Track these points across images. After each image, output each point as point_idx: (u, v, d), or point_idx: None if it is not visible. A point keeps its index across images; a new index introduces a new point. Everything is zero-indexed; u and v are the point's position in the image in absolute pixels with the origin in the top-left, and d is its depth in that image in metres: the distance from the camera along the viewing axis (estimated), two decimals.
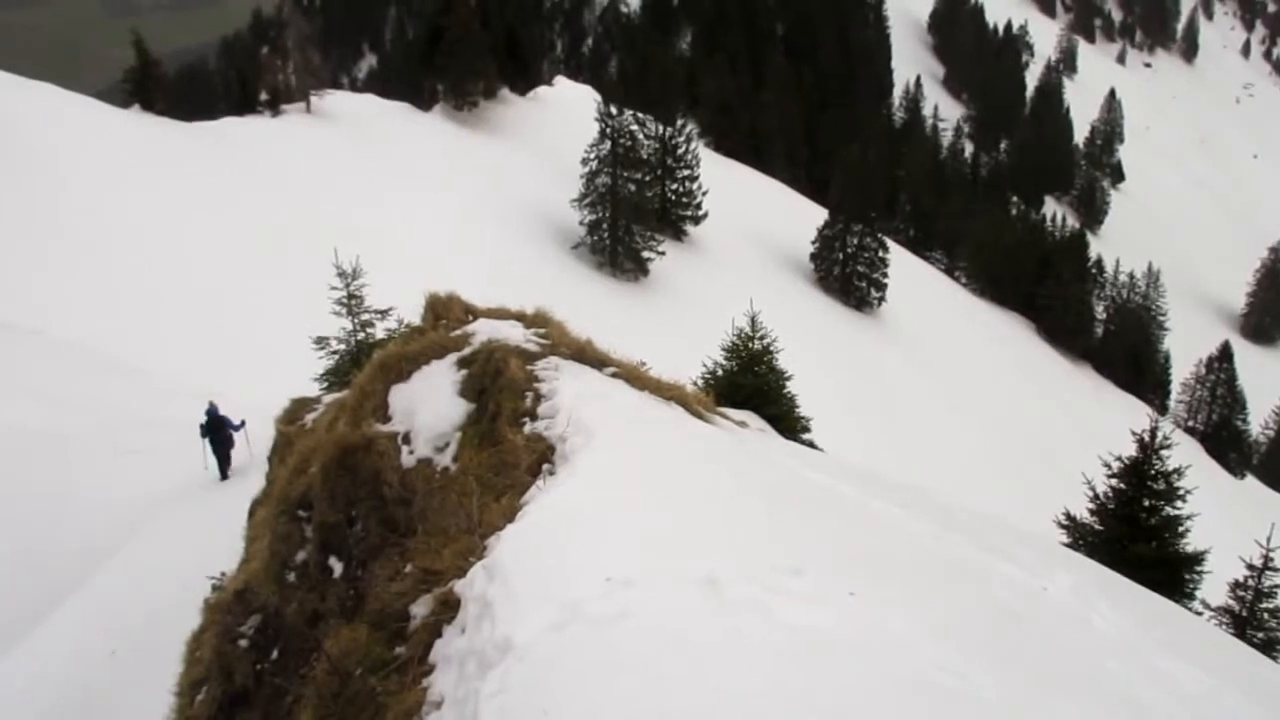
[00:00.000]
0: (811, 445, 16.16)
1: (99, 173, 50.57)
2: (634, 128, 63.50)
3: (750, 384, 17.09)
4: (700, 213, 67.71)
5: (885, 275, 69.05)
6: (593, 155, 61.83)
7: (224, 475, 21.68)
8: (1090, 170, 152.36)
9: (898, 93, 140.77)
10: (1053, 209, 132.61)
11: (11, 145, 50.00)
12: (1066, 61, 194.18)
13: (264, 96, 67.05)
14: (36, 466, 23.61)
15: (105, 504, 21.30)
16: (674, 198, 67.88)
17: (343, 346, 20.27)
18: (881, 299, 69.36)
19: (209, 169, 54.92)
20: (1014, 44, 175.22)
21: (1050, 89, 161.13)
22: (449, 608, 5.77)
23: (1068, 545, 16.69)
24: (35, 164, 49.42)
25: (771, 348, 17.91)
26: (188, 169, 54.16)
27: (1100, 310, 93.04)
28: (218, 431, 21.53)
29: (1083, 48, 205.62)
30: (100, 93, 68.73)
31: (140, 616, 16.10)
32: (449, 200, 60.16)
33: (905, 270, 73.55)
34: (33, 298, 39.96)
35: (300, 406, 15.18)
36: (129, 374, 33.99)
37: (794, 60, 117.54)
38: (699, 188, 67.56)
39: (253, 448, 21.32)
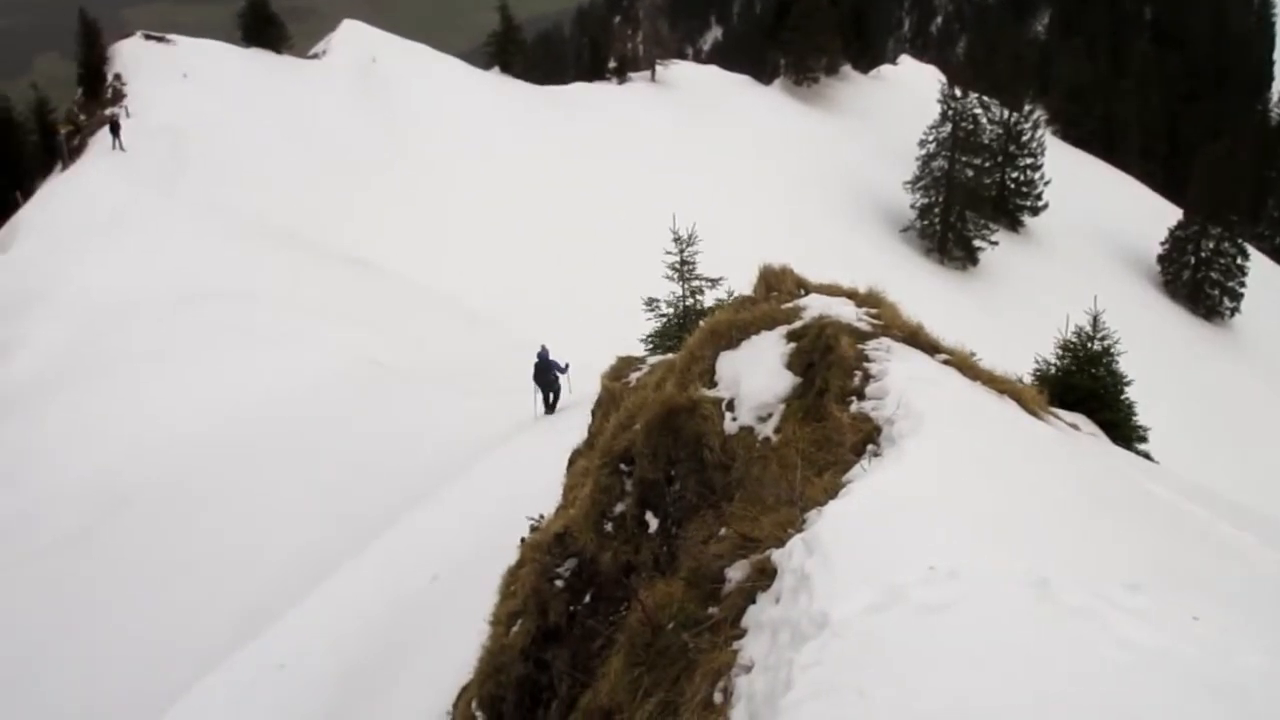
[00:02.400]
0: (1146, 457, 15.16)
1: (460, 128, 54.02)
2: (977, 111, 61.34)
3: (1085, 385, 16.18)
4: (1040, 203, 64.60)
5: (1242, 284, 63.34)
6: (931, 138, 60.25)
7: (549, 411, 23.33)
8: None
9: (1277, 86, 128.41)
10: None
11: (388, 99, 54.28)
12: None
13: (612, 64, 69.47)
14: (387, 400, 25.66)
15: (444, 438, 22.90)
16: (1013, 186, 65.09)
17: (670, 310, 20.75)
18: (1235, 310, 63.71)
19: (557, 131, 57.49)
20: None
21: None
22: (765, 576, 5.81)
23: None
24: (406, 118, 53.44)
25: (1112, 349, 16.90)
26: (538, 130, 56.93)
27: None
28: (546, 374, 23.14)
29: None
30: (464, 54, 73.24)
31: (461, 546, 17.14)
32: (781, 173, 60.35)
33: (1267, 280, 67.28)
34: (399, 245, 43.32)
35: (626, 364, 15.71)
36: (472, 320, 36.23)
37: (1160, 47, 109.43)
38: (1041, 177, 64.44)
39: (574, 391, 22.83)
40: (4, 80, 62.25)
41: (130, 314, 31.12)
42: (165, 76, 53.48)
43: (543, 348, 23.35)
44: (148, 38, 58.54)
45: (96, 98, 54.34)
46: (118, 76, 54.54)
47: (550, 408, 23.49)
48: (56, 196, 43.07)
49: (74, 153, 47.91)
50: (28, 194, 46.10)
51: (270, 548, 20.89)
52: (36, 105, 53.37)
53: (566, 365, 23.29)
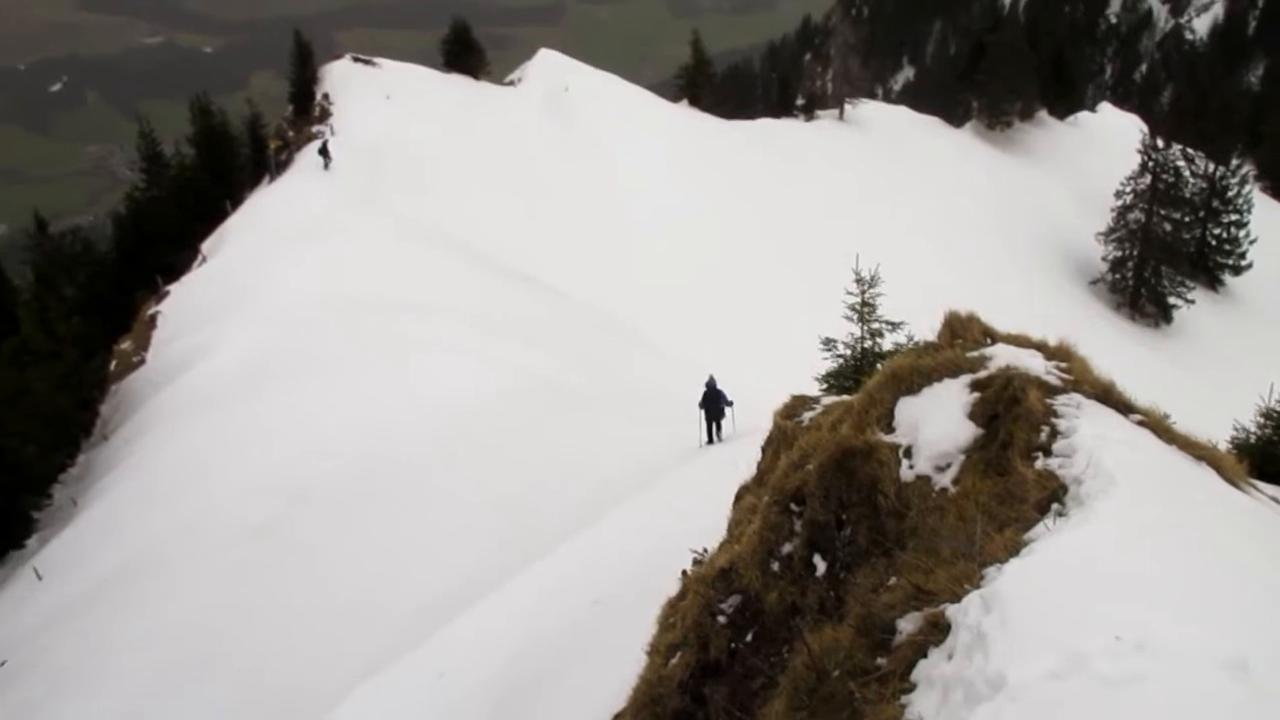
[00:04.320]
0: None
1: (645, 158, 54.77)
2: (1180, 163, 58.82)
3: None
4: (1243, 263, 61.42)
5: None
6: (1128, 189, 58.10)
7: (711, 441, 23.66)
8: None
9: None
10: None
11: (577, 126, 55.44)
12: None
13: (800, 101, 69.33)
14: (559, 420, 26.07)
15: (611, 464, 23.13)
16: (1214, 243, 62.10)
17: (848, 352, 20.48)
18: None
19: (740, 164, 57.70)
20: None
21: None
22: (938, 630, 5.65)
23: None
24: (593, 145, 54.46)
25: None
26: (721, 162, 57.24)
27: None
28: (714, 403, 23.41)
29: None
30: (653, 85, 74.31)
31: (623, 573, 17.20)
32: (967, 218, 59.21)
33: None
34: (578, 267, 44.10)
35: (799, 403, 15.51)
36: (643, 346, 36.56)
37: None
38: (1246, 235, 61.28)
39: (737, 425, 23.20)
40: (222, 95, 65.98)
41: (321, 319, 32.51)
42: (370, 97, 55.94)
43: (711, 377, 23.63)
44: (355, 60, 61.41)
45: (305, 115, 57.22)
46: (326, 96, 57.32)
47: (714, 437, 23.65)
48: (262, 207, 45.47)
49: (281, 166, 50.48)
50: (236, 204, 48.75)
51: (436, 555, 21.39)
52: (250, 120, 56.28)
53: (731, 402, 23.54)
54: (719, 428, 23.74)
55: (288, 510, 23.55)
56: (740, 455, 16.05)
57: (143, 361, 36.48)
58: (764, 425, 14.85)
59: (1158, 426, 8.58)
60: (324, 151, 47.51)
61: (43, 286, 42.89)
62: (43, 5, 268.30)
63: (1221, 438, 16.59)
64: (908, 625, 5.98)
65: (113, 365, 38.82)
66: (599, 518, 20.49)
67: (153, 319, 38.96)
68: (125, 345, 39.71)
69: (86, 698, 19.74)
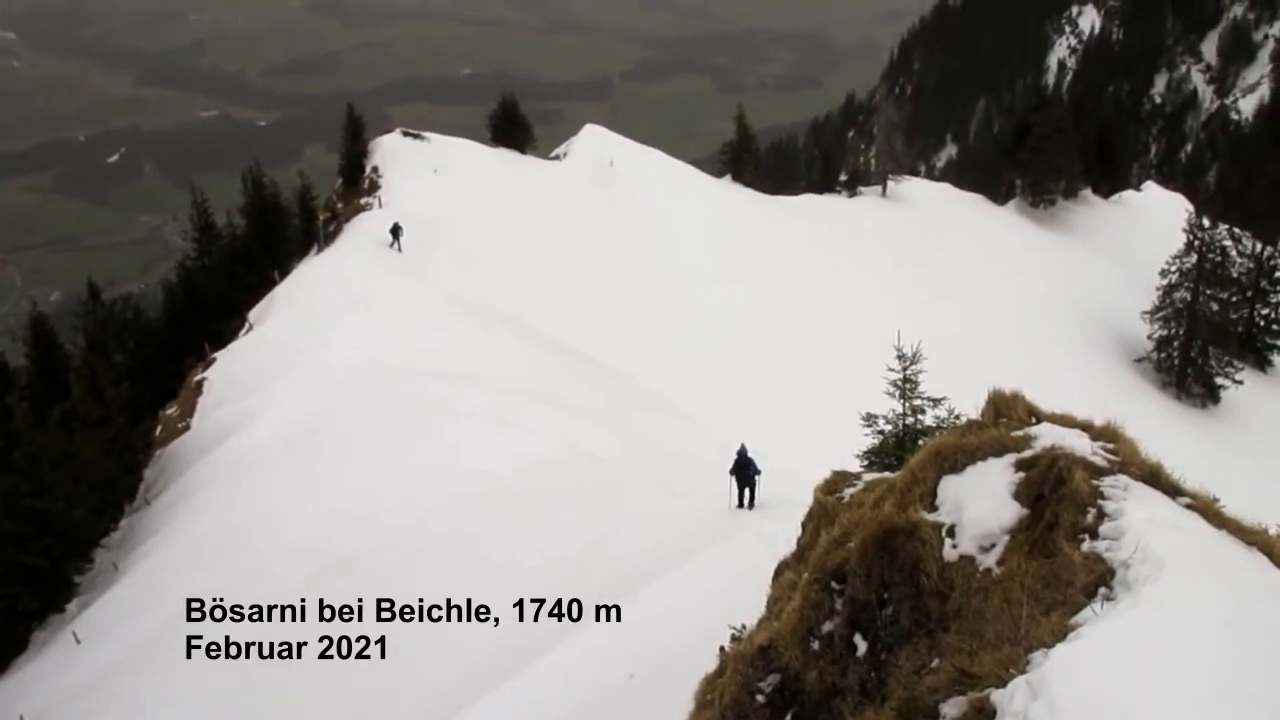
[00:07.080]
0: None
1: (687, 232, 55.20)
2: (1227, 243, 58.26)
3: None
4: None
5: None
6: (1174, 268, 57.61)
7: (742, 505, 24.03)
8: None
9: None
10: None
11: (622, 200, 56.06)
12: None
13: (843, 177, 69.67)
14: (597, 491, 26.02)
15: (648, 535, 23.01)
16: (1263, 323, 61.40)
17: (889, 428, 20.33)
18: None
19: (782, 239, 57.98)
20: None
21: None
22: (983, 715, 5.55)
23: None
24: (637, 219, 54.97)
25: None
26: (763, 237, 57.56)
27: None
28: (743, 471, 23.82)
29: None
30: (697, 160, 75.10)
31: (659, 647, 17.05)
32: (1010, 294, 59.03)
33: None
34: (621, 339, 44.25)
35: (840, 479, 15.41)
36: (683, 419, 36.50)
37: None
38: None
39: (760, 495, 23.81)
40: (275, 168, 67.30)
41: (365, 389, 32.74)
42: (418, 170, 56.79)
43: (742, 445, 23.89)
44: (405, 134, 62.48)
45: (354, 187, 58.14)
46: (375, 169, 58.26)
47: (745, 504, 23.98)
48: (309, 276, 46.08)
49: (329, 238, 51.17)
50: (284, 273, 49.40)
51: (473, 627, 21.25)
52: (301, 192, 57.07)
53: (760, 471, 23.84)
54: (752, 494, 23.98)
55: (330, 576, 23.55)
56: (779, 530, 15.92)
57: (188, 427, 36.82)
58: (802, 497, 14.73)
59: (1207, 510, 8.44)
60: (395, 231, 47.25)
61: (94, 353, 43.53)
62: (106, 80, 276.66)
63: (1273, 522, 16.26)
64: (951, 710, 5.87)
65: (158, 431, 39.22)
66: (637, 589, 20.33)
67: (199, 385, 39.39)
68: (171, 411, 40.15)
69: None
